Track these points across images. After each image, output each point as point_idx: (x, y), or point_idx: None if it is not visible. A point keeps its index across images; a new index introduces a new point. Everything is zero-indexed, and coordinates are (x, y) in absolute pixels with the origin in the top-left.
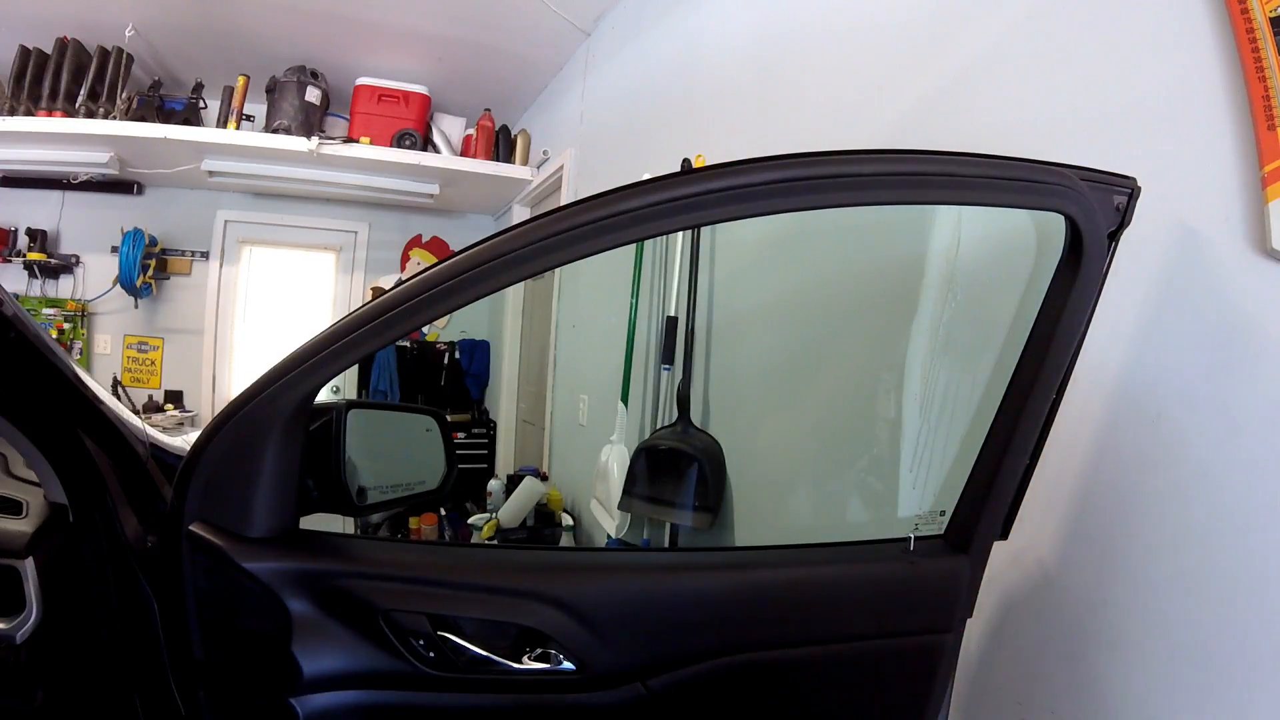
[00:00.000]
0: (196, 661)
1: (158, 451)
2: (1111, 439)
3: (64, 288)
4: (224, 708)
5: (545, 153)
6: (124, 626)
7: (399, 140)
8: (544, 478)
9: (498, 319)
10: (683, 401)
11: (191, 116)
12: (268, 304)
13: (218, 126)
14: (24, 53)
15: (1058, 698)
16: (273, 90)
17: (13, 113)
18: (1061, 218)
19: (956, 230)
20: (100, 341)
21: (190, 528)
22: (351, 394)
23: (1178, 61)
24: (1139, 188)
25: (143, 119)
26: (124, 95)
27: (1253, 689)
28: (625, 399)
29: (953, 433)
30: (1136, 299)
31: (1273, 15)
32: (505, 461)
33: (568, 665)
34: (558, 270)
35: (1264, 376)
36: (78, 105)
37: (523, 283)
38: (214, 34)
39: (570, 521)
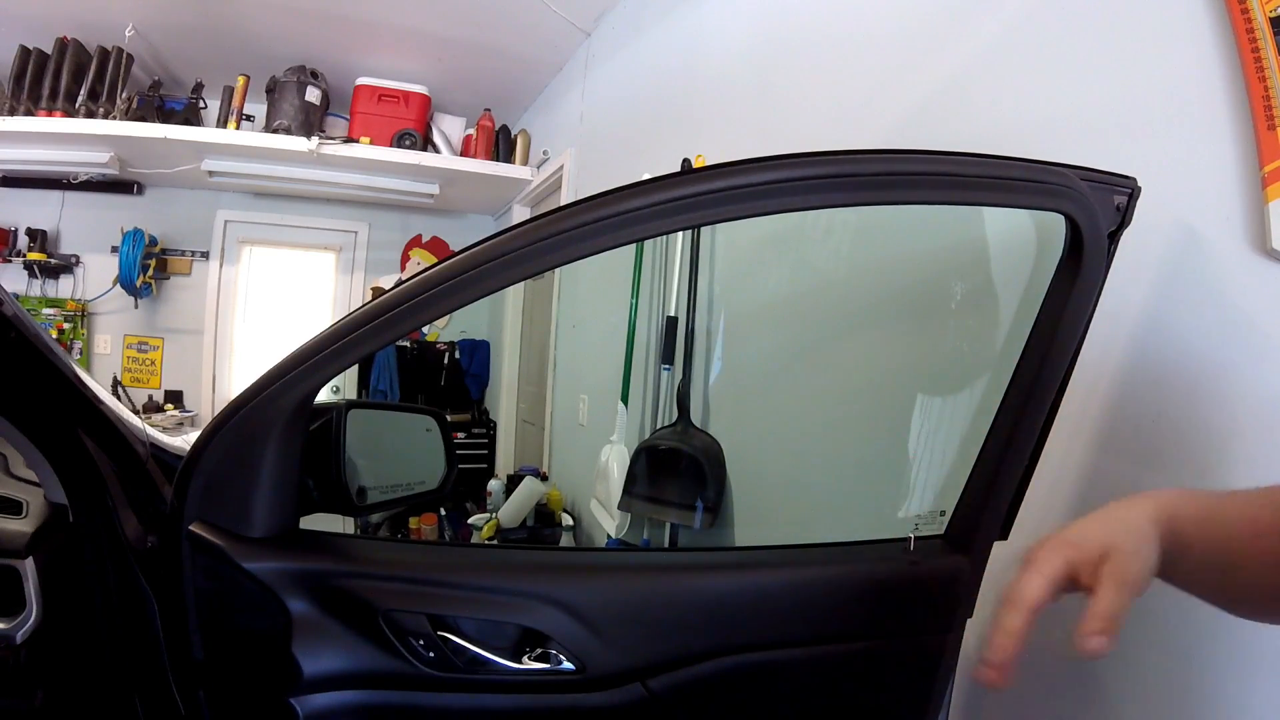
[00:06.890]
0: (196, 661)
1: (158, 451)
2: (1111, 439)
3: (64, 288)
4: (224, 708)
5: (545, 153)
6: (124, 627)
7: (399, 140)
8: (544, 478)
9: (498, 319)
10: (683, 401)
11: (191, 116)
12: (268, 304)
13: (218, 126)
14: (24, 53)
15: (1058, 698)
16: (273, 90)
17: (13, 113)
18: (1061, 218)
19: (956, 230)
20: (100, 341)
21: (190, 528)
22: (351, 394)
23: (1178, 61)
24: (1139, 188)
25: (143, 119)
26: (124, 95)
27: (1252, 690)
28: (625, 399)
29: (953, 432)
30: (1137, 299)
31: (1273, 15)
32: (505, 461)
33: (568, 665)
34: (558, 270)
35: (1264, 376)
36: (78, 105)
37: (523, 283)
38: (214, 34)
39: (570, 521)
